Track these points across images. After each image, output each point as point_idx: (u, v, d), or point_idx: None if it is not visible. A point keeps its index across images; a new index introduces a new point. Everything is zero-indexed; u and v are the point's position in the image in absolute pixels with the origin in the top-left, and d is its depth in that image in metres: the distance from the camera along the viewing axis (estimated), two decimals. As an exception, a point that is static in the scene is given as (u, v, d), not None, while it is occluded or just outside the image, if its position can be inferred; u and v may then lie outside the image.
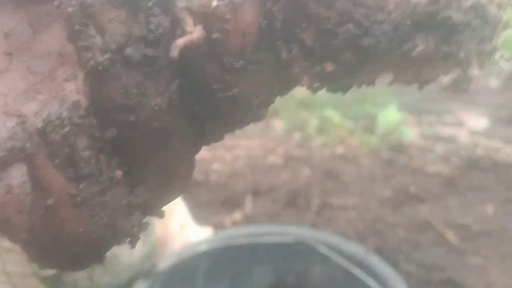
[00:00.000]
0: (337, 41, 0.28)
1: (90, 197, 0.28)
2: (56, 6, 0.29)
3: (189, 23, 0.27)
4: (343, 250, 1.14)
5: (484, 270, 1.39)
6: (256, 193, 1.69)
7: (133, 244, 0.31)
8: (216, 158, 1.90)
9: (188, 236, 1.29)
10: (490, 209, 1.62)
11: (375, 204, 1.62)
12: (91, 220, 0.28)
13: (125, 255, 1.08)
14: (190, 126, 0.32)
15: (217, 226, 1.49)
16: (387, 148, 1.92)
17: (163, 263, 1.13)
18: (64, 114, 0.28)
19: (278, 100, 0.35)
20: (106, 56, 0.27)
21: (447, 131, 2.07)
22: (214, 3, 0.28)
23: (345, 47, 0.28)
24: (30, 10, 0.38)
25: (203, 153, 1.34)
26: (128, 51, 0.27)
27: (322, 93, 0.35)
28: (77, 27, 0.28)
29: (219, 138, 0.34)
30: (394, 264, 1.25)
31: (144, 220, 0.32)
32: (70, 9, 0.28)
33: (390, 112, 2.00)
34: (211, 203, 1.66)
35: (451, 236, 1.51)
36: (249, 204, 1.64)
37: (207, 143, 0.34)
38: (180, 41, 0.27)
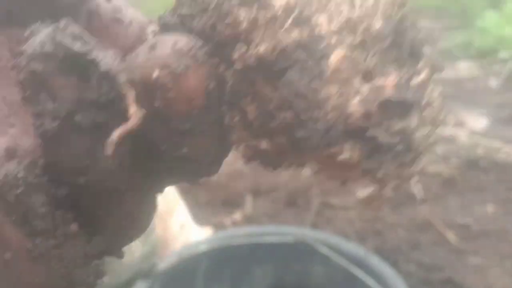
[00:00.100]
0: (274, 123, 0.29)
1: (46, 251, 0.29)
2: (11, 69, 0.29)
3: (130, 99, 0.28)
4: (343, 250, 1.14)
5: (484, 270, 1.39)
6: (256, 193, 1.69)
7: None
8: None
9: (188, 236, 1.29)
10: (490, 209, 1.62)
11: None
12: (48, 273, 0.29)
13: (125, 255, 1.08)
14: (145, 180, 0.32)
15: (217, 226, 1.49)
16: (387, 148, 1.92)
17: (163, 263, 1.13)
18: (20, 174, 0.28)
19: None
20: (56, 123, 0.27)
21: (447, 131, 2.07)
22: (155, 74, 0.28)
23: (281, 131, 0.29)
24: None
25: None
26: (78, 117, 0.28)
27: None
28: (28, 93, 0.28)
29: (178, 183, 0.35)
30: (394, 264, 1.25)
31: (101, 268, 0.33)
32: (22, 76, 0.28)
33: (390, 112, 2.00)
34: (211, 203, 1.66)
35: (451, 236, 1.51)
36: (249, 204, 1.64)
37: (164, 189, 0.35)
38: (115, 136, 0.27)
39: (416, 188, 0.31)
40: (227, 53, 0.30)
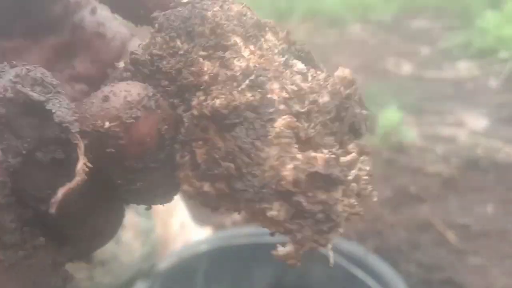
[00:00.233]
0: (218, 171, 0.31)
1: (16, 262, 0.31)
2: None
3: (79, 152, 0.29)
4: (343, 250, 1.14)
5: (484, 270, 1.39)
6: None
7: None
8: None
9: (188, 236, 1.29)
10: (490, 209, 1.62)
11: (375, 204, 1.62)
12: (19, 281, 0.31)
13: (125, 255, 1.08)
14: (109, 203, 0.35)
15: (217, 226, 1.49)
16: (387, 148, 1.92)
17: (163, 263, 1.13)
18: None
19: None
20: (18, 159, 0.29)
21: (447, 131, 2.07)
22: (106, 125, 0.31)
23: (222, 179, 0.32)
24: None
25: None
26: (39, 155, 0.30)
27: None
28: None
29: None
30: (394, 264, 1.25)
31: (69, 273, 0.35)
32: None
33: (390, 112, 2.00)
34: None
35: (451, 236, 1.51)
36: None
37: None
38: (59, 195, 0.29)
39: (330, 254, 0.33)
40: (188, 97, 0.33)
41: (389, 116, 1.99)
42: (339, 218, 0.32)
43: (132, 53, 0.35)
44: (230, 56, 0.33)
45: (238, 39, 0.34)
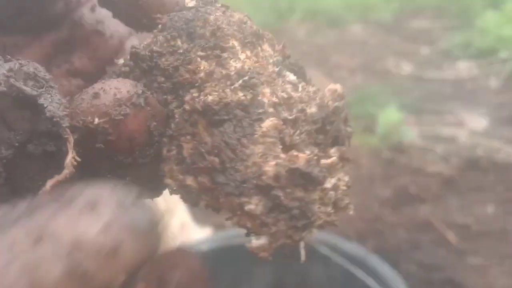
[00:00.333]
0: (202, 164, 0.33)
1: None
2: None
3: (69, 146, 0.30)
4: (343, 250, 1.14)
5: (484, 270, 1.39)
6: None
7: None
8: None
9: (188, 236, 1.29)
10: (490, 209, 1.62)
11: (375, 204, 1.62)
12: None
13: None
14: None
15: (217, 226, 1.49)
16: (387, 148, 1.92)
17: (163, 263, 1.13)
18: None
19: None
20: (10, 151, 0.30)
21: (447, 131, 2.07)
22: (96, 121, 0.32)
23: (206, 172, 0.33)
24: None
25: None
26: (30, 147, 0.31)
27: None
28: None
29: None
30: (394, 264, 1.25)
31: None
32: None
33: (390, 112, 2.00)
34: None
35: (451, 236, 1.51)
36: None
37: None
38: (47, 187, 0.30)
39: (302, 251, 0.34)
40: (181, 94, 0.35)
41: (389, 116, 1.99)
42: (314, 217, 0.32)
43: (133, 47, 0.36)
44: (227, 56, 0.34)
45: (236, 43, 0.35)
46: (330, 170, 0.33)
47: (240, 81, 0.34)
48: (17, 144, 0.30)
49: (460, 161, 1.83)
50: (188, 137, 0.34)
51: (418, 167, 1.81)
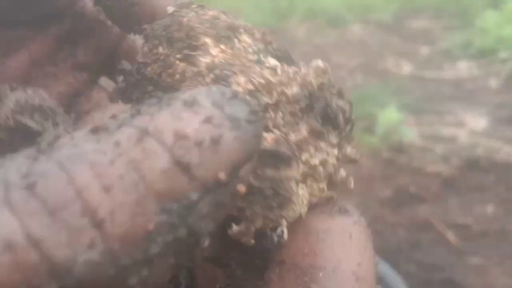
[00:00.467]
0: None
1: None
2: None
3: None
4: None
5: (484, 270, 1.39)
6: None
7: None
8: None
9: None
10: (490, 209, 1.62)
11: (375, 204, 1.62)
12: None
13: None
14: None
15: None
16: (387, 148, 1.92)
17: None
18: None
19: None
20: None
21: (447, 131, 2.07)
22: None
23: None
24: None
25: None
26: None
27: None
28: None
29: None
30: (394, 264, 1.25)
31: None
32: None
33: (390, 112, 2.00)
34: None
35: (451, 236, 1.51)
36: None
37: None
38: None
39: (280, 229, 0.33)
40: None
41: (389, 116, 1.99)
42: (289, 194, 0.32)
43: (121, 63, 0.38)
44: (197, 54, 0.35)
45: (209, 40, 0.36)
46: (301, 144, 0.33)
47: (211, 75, 0.34)
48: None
49: (460, 161, 1.83)
50: None
51: (418, 167, 1.81)
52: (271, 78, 0.34)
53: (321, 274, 0.29)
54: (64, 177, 0.22)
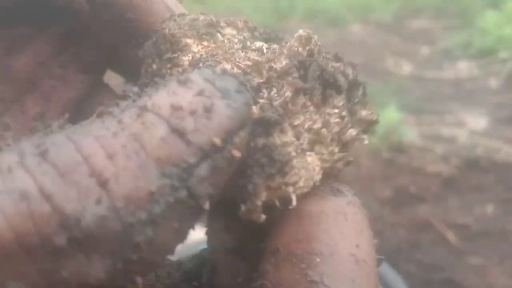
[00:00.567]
0: None
1: None
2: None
3: None
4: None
5: (484, 270, 1.39)
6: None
7: None
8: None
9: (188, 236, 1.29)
10: (490, 209, 1.62)
11: (375, 204, 1.62)
12: None
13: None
14: None
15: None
16: (387, 148, 1.92)
17: (163, 263, 1.13)
18: None
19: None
20: None
21: (447, 131, 2.07)
22: None
23: None
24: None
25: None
26: None
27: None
28: None
29: None
30: (394, 264, 1.25)
31: None
32: None
33: (390, 112, 2.00)
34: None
35: (451, 236, 1.51)
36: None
37: None
38: None
39: (293, 196, 0.33)
40: None
41: (389, 116, 1.99)
42: (285, 158, 0.31)
43: (123, 93, 0.39)
44: (179, 55, 0.36)
45: (190, 40, 0.37)
46: (284, 105, 0.33)
47: (195, 69, 0.35)
48: None
49: (460, 161, 1.83)
50: None
51: (418, 167, 1.81)
52: (257, 58, 0.34)
53: (318, 260, 0.29)
54: (72, 146, 0.24)
